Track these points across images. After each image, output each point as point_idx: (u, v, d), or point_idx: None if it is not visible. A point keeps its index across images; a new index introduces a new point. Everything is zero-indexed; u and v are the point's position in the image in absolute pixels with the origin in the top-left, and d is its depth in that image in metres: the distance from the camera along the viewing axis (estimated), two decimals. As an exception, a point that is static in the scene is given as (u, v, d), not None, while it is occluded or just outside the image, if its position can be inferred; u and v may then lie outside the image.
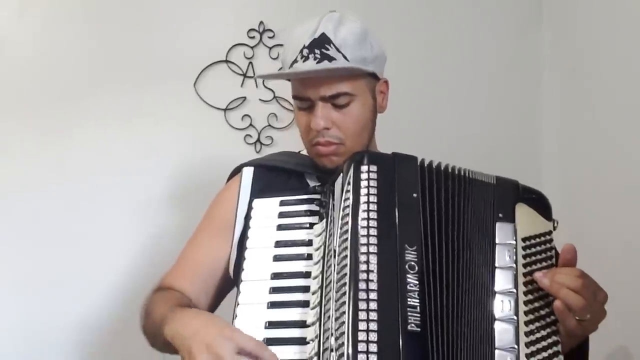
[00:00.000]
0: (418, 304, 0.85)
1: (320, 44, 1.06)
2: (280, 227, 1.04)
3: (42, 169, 1.83)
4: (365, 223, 0.90)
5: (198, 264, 1.17)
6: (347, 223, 0.91)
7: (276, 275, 0.98)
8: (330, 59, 1.05)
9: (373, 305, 0.83)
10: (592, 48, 1.79)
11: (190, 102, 1.90)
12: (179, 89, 1.89)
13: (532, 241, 0.95)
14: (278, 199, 1.07)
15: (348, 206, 0.92)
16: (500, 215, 0.95)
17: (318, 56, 1.05)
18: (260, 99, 1.93)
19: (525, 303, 0.89)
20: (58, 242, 1.81)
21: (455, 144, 1.95)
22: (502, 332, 0.87)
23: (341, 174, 0.98)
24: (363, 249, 0.88)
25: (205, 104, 1.91)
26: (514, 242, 0.93)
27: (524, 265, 0.92)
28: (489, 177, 1.00)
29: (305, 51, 1.06)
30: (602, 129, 1.73)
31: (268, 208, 1.07)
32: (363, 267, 0.86)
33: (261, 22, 1.93)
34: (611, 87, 1.69)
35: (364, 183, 0.94)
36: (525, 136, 2.04)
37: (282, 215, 1.05)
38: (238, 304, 0.97)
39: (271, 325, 0.93)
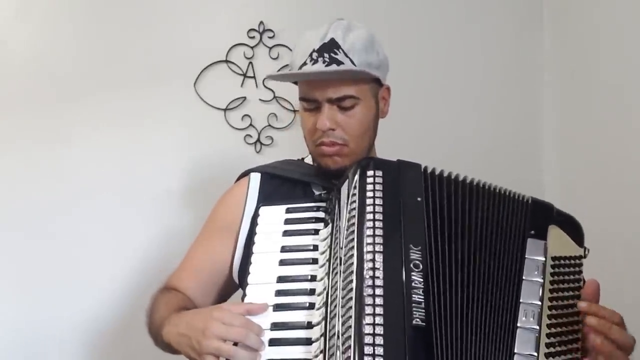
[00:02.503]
0: (423, 300, 0.87)
1: (329, 49, 1.10)
2: (286, 233, 1.06)
3: (41, 168, 1.83)
4: (371, 224, 0.93)
5: (200, 265, 1.20)
6: (353, 224, 0.94)
7: (282, 279, 1.00)
8: (339, 62, 1.09)
9: (379, 301, 0.86)
10: (592, 48, 1.80)
11: (190, 102, 1.90)
12: (179, 89, 1.89)
13: (562, 262, 0.97)
14: (284, 207, 1.10)
15: (354, 209, 0.95)
16: (533, 232, 0.98)
17: (327, 60, 1.09)
18: (260, 99, 1.93)
19: (549, 317, 0.91)
20: (58, 242, 1.81)
21: (456, 144, 1.96)
22: (523, 339, 0.89)
23: (347, 180, 1.01)
24: (369, 248, 0.90)
25: (205, 104, 1.91)
26: (544, 259, 0.96)
27: (551, 282, 0.94)
28: (522, 196, 1.03)
29: (315, 54, 1.10)
30: (602, 129, 1.73)
31: (274, 215, 1.09)
32: (369, 265, 0.89)
33: (261, 22, 1.93)
34: (611, 87, 1.69)
35: (369, 187, 0.97)
36: (525, 136, 2.05)
37: (288, 221, 1.08)
38: None
39: (276, 326, 0.94)
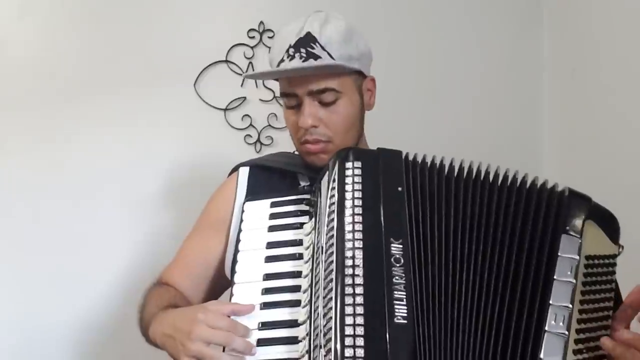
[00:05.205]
0: (404, 297, 0.85)
1: (305, 43, 1.07)
2: (271, 229, 1.04)
3: (41, 168, 1.83)
4: (350, 219, 0.91)
5: (192, 260, 1.19)
6: (333, 220, 0.92)
7: (268, 276, 0.98)
8: (316, 57, 1.06)
9: (359, 300, 0.84)
10: (592, 48, 1.79)
11: (190, 102, 1.90)
12: (179, 89, 1.89)
13: (596, 261, 0.90)
14: (269, 201, 1.08)
15: (334, 203, 0.93)
16: (568, 228, 0.91)
17: (304, 55, 1.06)
18: (260, 99, 1.93)
19: (579, 322, 0.85)
20: (58, 242, 1.82)
21: (456, 143, 1.94)
22: (550, 344, 0.84)
23: (327, 172, 0.99)
24: (349, 245, 0.89)
25: (205, 104, 1.91)
26: (577, 258, 0.88)
27: (584, 284, 0.87)
28: (553, 186, 0.97)
29: (291, 50, 1.07)
30: (602, 129, 1.73)
31: (259, 210, 1.07)
32: (349, 262, 0.87)
33: (261, 22, 1.93)
34: (611, 87, 1.69)
35: (348, 179, 0.95)
36: (525, 136, 2.04)
37: (273, 216, 1.06)
38: None
39: (264, 325, 0.93)
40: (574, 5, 1.89)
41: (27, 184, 1.82)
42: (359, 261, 0.87)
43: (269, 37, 1.92)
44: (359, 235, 0.89)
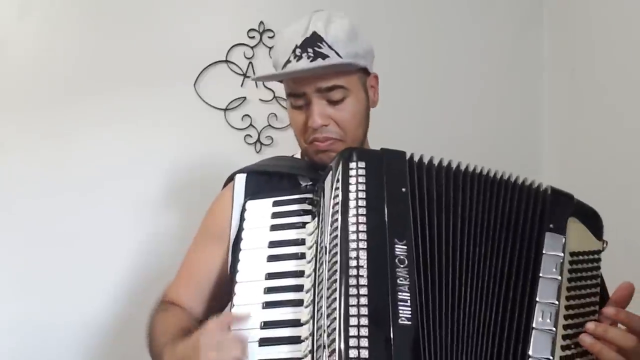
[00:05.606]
0: (408, 298, 0.85)
1: (312, 43, 1.07)
2: (273, 228, 1.04)
3: (42, 168, 1.83)
4: (354, 219, 0.91)
5: (196, 275, 1.18)
6: (336, 220, 0.92)
7: (270, 276, 0.98)
8: (324, 56, 1.06)
9: (363, 300, 0.84)
10: (592, 48, 1.79)
11: (190, 102, 1.90)
12: (179, 89, 1.89)
13: (580, 257, 0.92)
14: (271, 200, 1.07)
15: (337, 203, 0.92)
16: (552, 226, 0.93)
17: (311, 54, 1.06)
18: (260, 99, 1.93)
19: (566, 317, 0.87)
20: (58, 242, 1.81)
21: (455, 143, 1.95)
22: (539, 341, 0.86)
23: (330, 172, 0.98)
24: (353, 245, 0.88)
25: (205, 104, 1.91)
26: (562, 255, 0.91)
27: (569, 280, 0.89)
28: (539, 185, 0.99)
29: (298, 50, 1.07)
30: (602, 129, 1.73)
31: (261, 209, 1.07)
32: (353, 262, 0.87)
33: (261, 22, 1.93)
34: (611, 87, 1.69)
35: (352, 180, 0.94)
36: (525, 136, 2.04)
37: (275, 215, 1.05)
38: (233, 306, 0.97)
39: (266, 325, 0.93)
40: (574, 5, 1.90)
41: (27, 183, 1.82)
42: (363, 262, 0.87)
43: (269, 37, 1.92)
44: (363, 235, 0.89)
